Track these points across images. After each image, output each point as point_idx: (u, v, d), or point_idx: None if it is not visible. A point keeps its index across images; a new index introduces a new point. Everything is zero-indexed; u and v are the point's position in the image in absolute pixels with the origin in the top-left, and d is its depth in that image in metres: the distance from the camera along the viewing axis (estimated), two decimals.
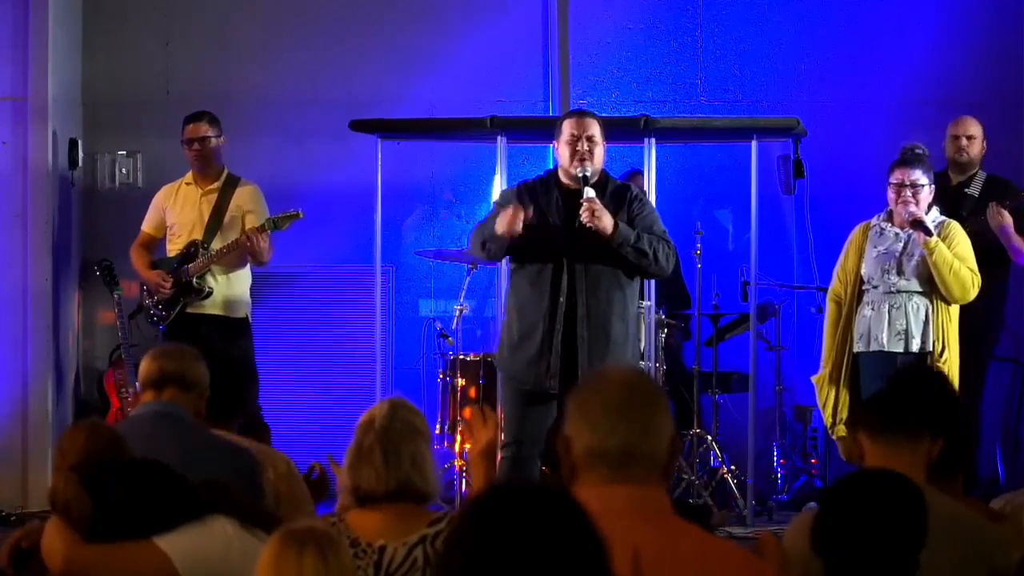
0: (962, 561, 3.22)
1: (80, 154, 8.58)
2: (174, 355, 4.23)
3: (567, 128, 6.21)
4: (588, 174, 6.11)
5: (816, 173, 7.91)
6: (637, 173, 7.92)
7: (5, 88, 8.20)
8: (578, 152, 6.14)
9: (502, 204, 6.24)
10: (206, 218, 7.57)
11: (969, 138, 7.60)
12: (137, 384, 4.28)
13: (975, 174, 7.61)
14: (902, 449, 3.43)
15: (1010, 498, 4.02)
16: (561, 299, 6.09)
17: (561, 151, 6.22)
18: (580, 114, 6.34)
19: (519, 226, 6.01)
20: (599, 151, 6.20)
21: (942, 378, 4.22)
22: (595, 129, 6.19)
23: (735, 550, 2.67)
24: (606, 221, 6.03)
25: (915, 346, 6.70)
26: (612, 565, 2.12)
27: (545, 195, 6.20)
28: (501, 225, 6.03)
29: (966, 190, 7.53)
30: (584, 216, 6.03)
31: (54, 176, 8.28)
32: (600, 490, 2.57)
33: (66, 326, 8.43)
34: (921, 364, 6.58)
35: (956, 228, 6.77)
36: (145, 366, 4.22)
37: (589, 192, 6.07)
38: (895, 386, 3.60)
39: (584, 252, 6.10)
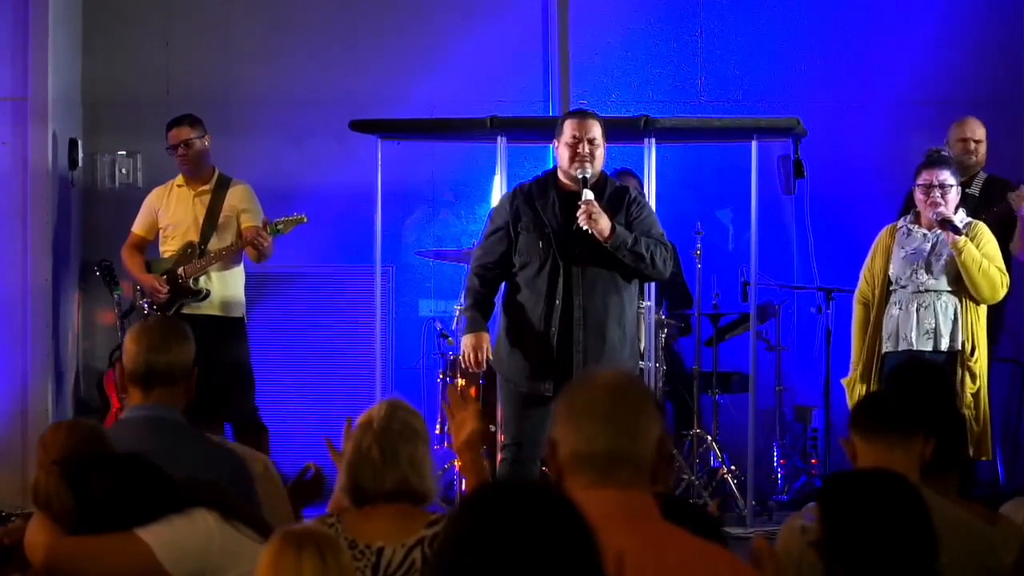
0: (958, 563, 3.21)
1: (80, 154, 8.58)
2: (159, 346, 4.05)
3: (568, 129, 6.13)
4: (588, 175, 6.05)
5: (816, 173, 7.90)
6: (627, 173, 7.91)
7: (5, 88, 8.21)
8: (579, 155, 6.06)
9: (494, 222, 6.21)
10: (201, 220, 7.52)
11: (977, 141, 7.64)
12: (123, 364, 4.08)
13: (976, 174, 7.63)
14: (895, 449, 3.43)
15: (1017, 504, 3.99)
16: (557, 302, 6.02)
17: (561, 152, 6.14)
18: (582, 115, 6.23)
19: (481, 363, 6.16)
20: (600, 153, 6.13)
21: (939, 376, 4.19)
22: (596, 131, 6.12)
23: (722, 555, 2.65)
24: (603, 224, 5.97)
25: (944, 345, 6.70)
26: (605, 562, 2.12)
27: (542, 197, 6.14)
28: (465, 359, 6.15)
29: (967, 190, 7.54)
30: (581, 219, 5.96)
31: (54, 176, 8.28)
32: (585, 494, 2.52)
33: (66, 326, 8.43)
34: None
35: (983, 228, 6.80)
36: (131, 352, 4.04)
37: (588, 194, 6.00)
38: (889, 386, 3.60)
39: (581, 255, 6.03)
